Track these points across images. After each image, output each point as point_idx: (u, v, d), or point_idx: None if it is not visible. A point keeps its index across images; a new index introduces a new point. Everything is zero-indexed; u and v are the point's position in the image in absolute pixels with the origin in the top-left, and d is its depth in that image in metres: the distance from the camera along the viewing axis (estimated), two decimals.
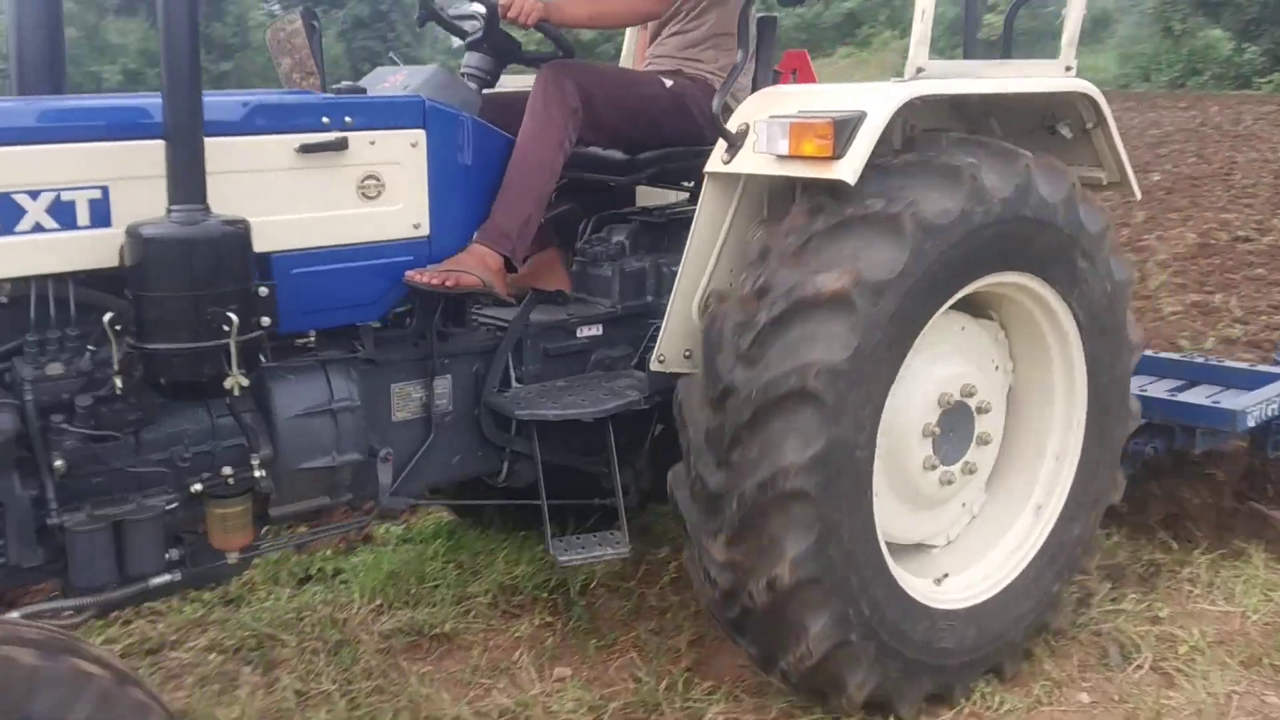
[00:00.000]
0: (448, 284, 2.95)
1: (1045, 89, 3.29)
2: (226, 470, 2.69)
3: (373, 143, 2.86)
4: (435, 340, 3.17)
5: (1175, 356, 4.75)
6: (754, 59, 3.54)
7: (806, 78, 4.25)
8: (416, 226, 2.98)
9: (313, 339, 2.93)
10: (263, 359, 2.70)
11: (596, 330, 3.51)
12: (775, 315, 2.80)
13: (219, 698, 3.36)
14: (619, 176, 3.76)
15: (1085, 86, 3.28)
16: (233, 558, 2.79)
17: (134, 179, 2.51)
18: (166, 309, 2.41)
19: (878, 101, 2.86)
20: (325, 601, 3.98)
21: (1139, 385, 4.08)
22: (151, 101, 2.54)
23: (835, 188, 2.86)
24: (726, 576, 2.93)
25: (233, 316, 2.40)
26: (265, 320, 2.56)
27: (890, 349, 2.88)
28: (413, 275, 2.94)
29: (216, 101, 2.62)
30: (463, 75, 3.56)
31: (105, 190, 2.49)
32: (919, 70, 3.02)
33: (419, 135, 2.96)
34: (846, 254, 2.81)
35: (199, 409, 2.70)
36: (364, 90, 3.05)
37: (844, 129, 2.81)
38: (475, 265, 3.04)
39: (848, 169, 2.79)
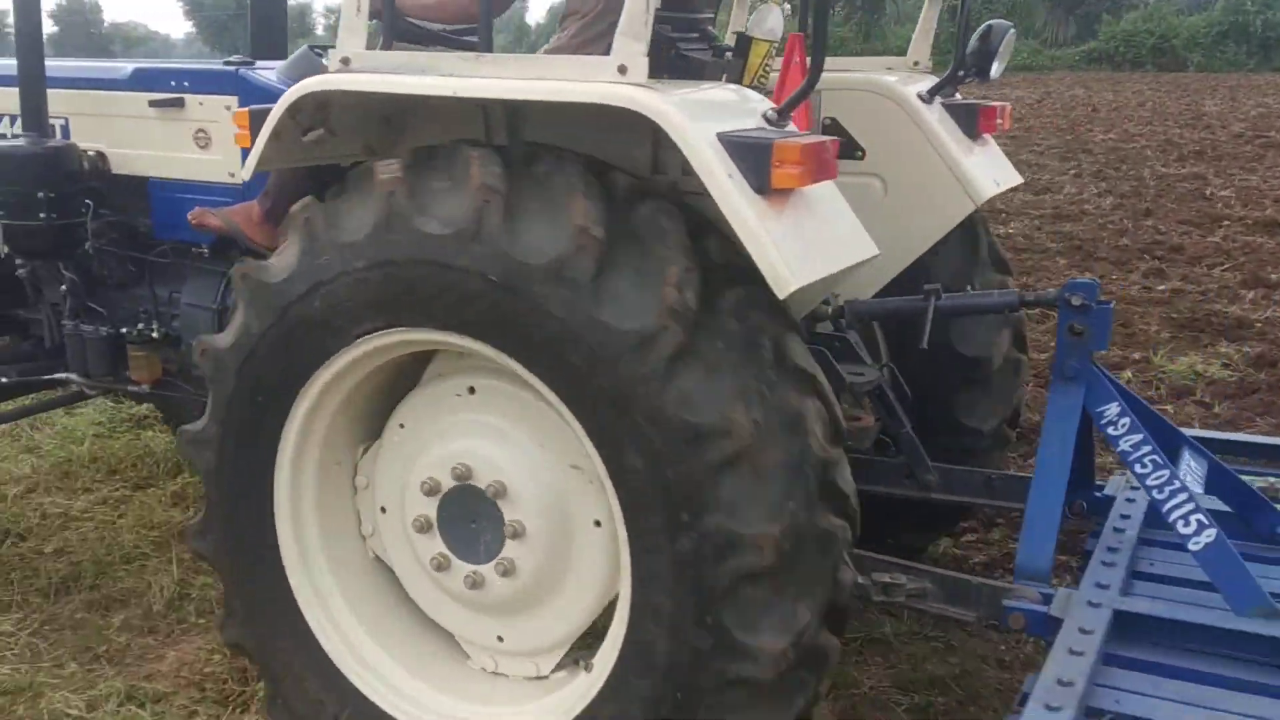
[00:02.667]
0: (192, 221, 3.53)
1: (513, 94, 2.42)
2: (140, 326, 3.84)
3: (201, 103, 3.67)
4: None
5: None
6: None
7: (794, 73, 3.21)
8: (231, 175, 3.62)
9: (205, 251, 3.73)
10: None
11: None
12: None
13: None
14: None
15: (634, 99, 2.25)
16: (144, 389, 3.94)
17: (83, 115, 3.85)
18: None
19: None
20: None
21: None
22: (103, 66, 3.87)
23: None
24: None
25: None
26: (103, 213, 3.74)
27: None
28: (192, 212, 3.57)
29: (114, 65, 3.90)
30: None
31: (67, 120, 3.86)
32: (344, 62, 2.65)
33: (233, 100, 3.56)
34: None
35: (141, 280, 3.88)
36: (251, 63, 3.70)
37: (258, 120, 2.66)
38: (237, 213, 3.49)
39: (243, 166, 2.78)
